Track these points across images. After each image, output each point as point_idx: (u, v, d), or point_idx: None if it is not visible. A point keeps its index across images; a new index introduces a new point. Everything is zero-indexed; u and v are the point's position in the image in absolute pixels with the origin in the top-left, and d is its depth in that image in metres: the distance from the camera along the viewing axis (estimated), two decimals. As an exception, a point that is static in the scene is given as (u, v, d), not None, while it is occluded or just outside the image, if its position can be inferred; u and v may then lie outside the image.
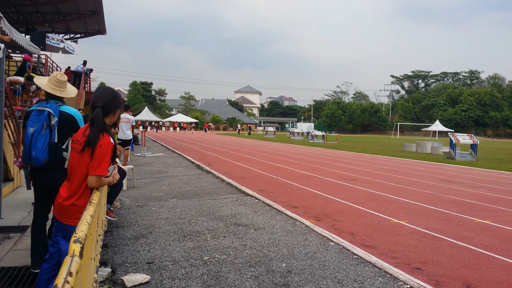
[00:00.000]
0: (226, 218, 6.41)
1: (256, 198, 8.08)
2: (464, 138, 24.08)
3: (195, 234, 5.45)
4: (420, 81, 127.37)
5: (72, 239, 1.79)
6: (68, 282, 1.31)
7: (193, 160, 15.93)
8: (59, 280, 1.31)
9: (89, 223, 2.14)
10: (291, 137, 53.76)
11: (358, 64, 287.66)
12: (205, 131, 69.99)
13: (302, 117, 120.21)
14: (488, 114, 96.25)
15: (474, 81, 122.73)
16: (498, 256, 4.83)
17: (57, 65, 20.04)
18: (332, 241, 5.20)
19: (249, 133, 59.95)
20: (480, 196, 9.45)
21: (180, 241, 5.14)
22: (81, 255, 1.66)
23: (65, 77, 3.85)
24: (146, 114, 71.87)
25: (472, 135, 25.46)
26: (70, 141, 3.11)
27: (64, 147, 3.75)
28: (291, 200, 8.00)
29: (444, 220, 6.77)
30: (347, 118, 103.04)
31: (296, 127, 79.99)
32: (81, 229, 1.93)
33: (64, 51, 20.35)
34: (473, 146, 23.45)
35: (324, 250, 4.85)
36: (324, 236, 5.42)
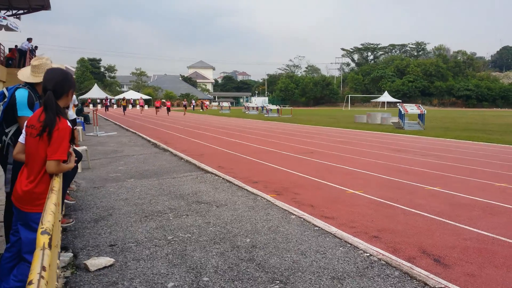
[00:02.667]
0: (187, 196, 6.41)
1: (216, 175, 8.10)
2: (412, 109, 24.99)
3: (156, 214, 5.41)
4: (369, 53, 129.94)
5: (39, 230, 1.75)
6: (43, 277, 1.29)
7: (148, 138, 15.66)
8: (33, 276, 1.28)
9: (54, 212, 2.09)
10: (246, 112, 53.81)
11: (310, 37, 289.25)
12: (159, 108, 67.72)
13: (256, 92, 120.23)
14: (434, 84, 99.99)
15: (420, 53, 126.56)
16: (450, 222, 5.13)
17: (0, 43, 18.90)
18: (293, 214, 5.33)
19: (199, 108, 59.36)
20: (430, 164, 9.91)
21: (142, 221, 5.10)
22: (50, 246, 1.63)
23: (39, 60, 3.70)
24: (96, 92, 69.48)
25: (420, 105, 26.46)
26: (24, 126, 2.98)
27: (8, 130, 3.62)
28: (251, 176, 8.08)
29: (397, 189, 7.07)
30: (300, 92, 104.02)
31: (251, 102, 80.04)
32: (47, 219, 1.89)
33: (7, 28, 19.19)
34: (421, 116, 24.39)
35: (286, 223, 4.97)
36: (285, 210, 5.54)
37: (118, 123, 25.97)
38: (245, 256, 3.95)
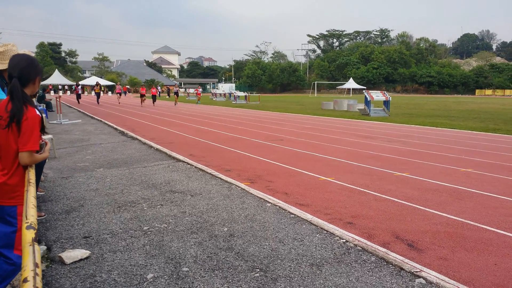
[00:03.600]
0: (160, 185, 6.33)
1: (188, 164, 8.03)
2: (377, 95, 25.46)
3: (130, 204, 5.33)
4: (334, 40, 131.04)
5: (24, 225, 1.69)
6: (37, 274, 1.25)
7: (115, 126, 15.33)
8: (28, 273, 1.24)
9: (35, 205, 2.02)
10: (214, 99, 53.45)
11: (277, 23, 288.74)
12: (125, 94, 65.97)
13: (223, 78, 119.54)
14: (397, 71, 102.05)
15: (384, 40, 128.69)
16: (420, 207, 5.28)
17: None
18: (269, 202, 5.36)
19: (165, 95, 57.39)
20: (397, 150, 10.15)
21: (115, 212, 5.01)
22: (38, 241, 1.58)
23: (4, 47, 3.53)
24: (57, 78, 67.33)
25: (385, 92, 26.99)
26: None
27: None
28: (223, 164, 8.06)
29: (367, 175, 7.22)
30: (267, 78, 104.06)
31: (217, 88, 79.52)
32: (31, 214, 1.82)
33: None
34: (386, 103, 24.90)
35: (262, 211, 4.99)
36: (261, 198, 5.57)
37: (82, 110, 25.29)
38: (224, 245, 3.95)
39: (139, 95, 37.69)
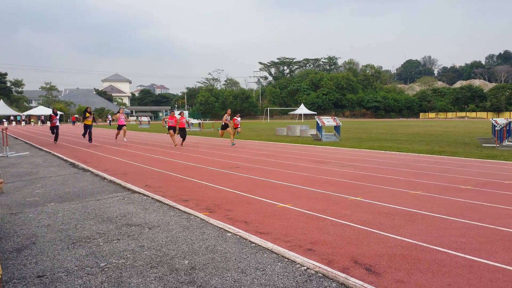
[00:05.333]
0: (116, 219, 6.18)
1: (144, 195, 7.89)
2: (328, 121, 26.18)
3: (85, 240, 5.16)
4: (285, 67, 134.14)
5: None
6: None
7: (65, 157, 14.84)
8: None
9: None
10: (166, 126, 52.90)
11: (229, 51, 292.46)
12: (73, 123, 64.82)
13: (176, 105, 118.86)
14: (346, 96, 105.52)
15: (332, 67, 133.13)
16: (375, 230, 5.45)
17: None
18: (229, 232, 5.36)
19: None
20: (349, 175, 10.44)
21: (69, 249, 4.83)
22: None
23: None
24: (2, 108, 64.64)
25: (335, 117, 27.81)
26: None
27: None
28: (180, 194, 7.98)
29: (323, 200, 7.37)
30: (220, 105, 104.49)
31: (170, 116, 78.64)
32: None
33: None
34: (337, 128, 25.62)
35: (223, 242, 4.98)
36: (221, 228, 5.55)
37: (29, 142, 24.31)
38: (185, 279, 3.90)
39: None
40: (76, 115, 76.22)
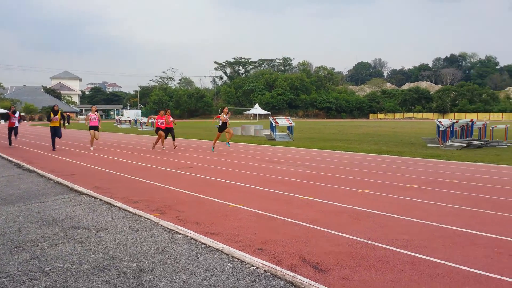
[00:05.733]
0: (62, 222, 5.99)
1: (92, 197, 7.69)
2: (282, 121, 26.50)
3: (29, 244, 4.98)
4: (240, 67, 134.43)
5: None
6: None
7: (9, 158, 14.20)
8: None
9: None
10: (118, 125, 51.74)
11: (183, 50, 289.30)
12: (19, 122, 61.30)
13: (128, 104, 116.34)
14: (299, 97, 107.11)
15: (287, 67, 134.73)
16: (323, 229, 5.58)
17: None
18: (179, 233, 5.32)
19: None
20: (301, 174, 10.62)
21: (12, 253, 4.65)
22: None
23: None
24: None
25: (289, 118, 28.19)
26: None
27: None
28: (130, 195, 7.84)
29: (275, 200, 7.46)
30: (174, 104, 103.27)
31: (122, 115, 77.07)
32: None
33: None
34: (290, 128, 25.97)
35: (173, 243, 4.95)
36: (171, 229, 5.51)
37: (-31, 141, 23.06)
38: (133, 282, 3.85)
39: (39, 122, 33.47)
40: (23, 114, 72.98)
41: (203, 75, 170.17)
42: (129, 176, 10.20)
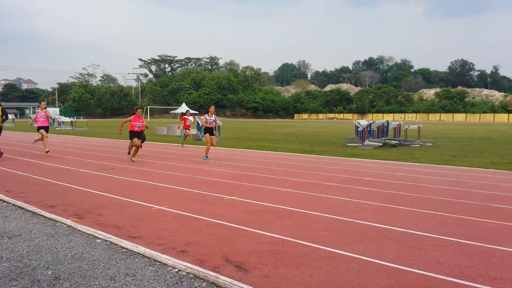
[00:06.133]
0: (-32, 229, 5.55)
1: (4, 201, 7.19)
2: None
3: None
4: (166, 65, 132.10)
5: None
6: None
7: None
8: None
9: None
10: (34, 125, 48.65)
11: (106, 46, 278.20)
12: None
13: (46, 102, 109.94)
14: (227, 96, 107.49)
15: (214, 67, 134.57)
16: (247, 228, 5.67)
17: None
18: (99, 238, 5.15)
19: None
20: (226, 174, 10.69)
21: None
22: None
23: None
24: None
25: (216, 117, 28.18)
26: None
27: None
28: (46, 199, 7.43)
29: (199, 201, 7.45)
30: (96, 102, 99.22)
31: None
32: None
33: None
34: (217, 127, 25.98)
35: (91, 249, 4.77)
36: (89, 234, 5.31)
37: None
38: (48, 291, 3.68)
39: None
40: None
41: (127, 73, 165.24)
42: (45, 179, 9.67)
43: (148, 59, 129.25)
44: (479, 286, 3.80)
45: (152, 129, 36.13)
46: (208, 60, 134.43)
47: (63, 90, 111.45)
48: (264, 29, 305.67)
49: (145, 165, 12.39)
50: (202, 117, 15.22)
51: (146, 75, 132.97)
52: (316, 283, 3.85)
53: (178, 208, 6.81)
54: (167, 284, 3.82)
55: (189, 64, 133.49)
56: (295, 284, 3.82)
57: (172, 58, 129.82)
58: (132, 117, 13.44)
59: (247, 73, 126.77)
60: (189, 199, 7.63)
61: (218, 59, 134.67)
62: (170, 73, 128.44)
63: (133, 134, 13.29)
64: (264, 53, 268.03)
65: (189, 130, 21.08)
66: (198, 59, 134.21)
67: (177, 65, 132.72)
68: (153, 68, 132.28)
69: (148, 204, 7.09)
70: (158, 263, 4.35)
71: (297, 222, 6.08)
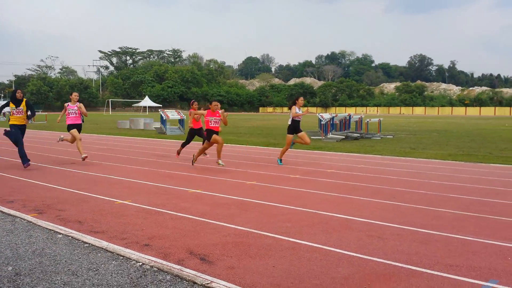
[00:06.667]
0: None
1: (-42, 198, 6.93)
2: (172, 114, 26.23)
3: None
4: (128, 57, 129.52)
5: None
6: None
7: None
8: None
9: None
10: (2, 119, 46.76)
11: (64, 37, 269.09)
12: None
13: (2, 95, 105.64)
14: (191, 90, 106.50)
15: (177, 59, 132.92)
16: (212, 221, 5.70)
17: None
18: (60, 233, 5.05)
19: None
20: (191, 168, 10.66)
21: None
22: None
23: None
24: None
25: (180, 111, 27.95)
26: None
27: None
28: (4, 195, 7.20)
29: (164, 195, 7.41)
30: (55, 95, 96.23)
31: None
32: None
33: None
34: (181, 121, 25.79)
35: (52, 244, 4.68)
36: (50, 230, 5.20)
37: None
38: (9, 286, 3.59)
39: None
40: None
41: (87, 65, 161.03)
42: (3, 174, 9.35)
43: (109, 51, 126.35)
44: (435, 273, 3.97)
45: (114, 122, 35.44)
46: (171, 53, 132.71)
47: (21, 82, 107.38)
48: (228, 23, 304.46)
49: (109, 159, 12.17)
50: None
51: (107, 68, 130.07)
52: (279, 273, 3.93)
53: (142, 202, 6.75)
54: (131, 278, 3.80)
55: (152, 56, 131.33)
56: (259, 275, 3.89)
57: (134, 50, 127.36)
58: (205, 111, 11.02)
59: (211, 66, 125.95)
60: (153, 193, 7.57)
61: (181, 51, 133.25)
62: (131, 66, 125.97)
63: (211, 132, 10.71)
64: (228, 47, 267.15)
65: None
66: (161, 52, 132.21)
67: (139, 57, 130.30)
68: (114, 60, 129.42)
69: (110, 199, 7.00)
70: (122, 257, 4.31)
71: (261, 214, 6.16)
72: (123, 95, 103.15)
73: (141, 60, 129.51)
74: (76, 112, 11.62)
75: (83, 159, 11.15)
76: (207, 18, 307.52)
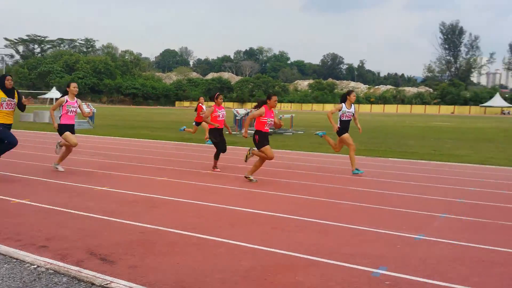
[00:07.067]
0: None
1: None
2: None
3: None
4: (36, 46, 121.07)
5: None
6: None
7: None
8: None
9: None
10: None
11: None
12: None
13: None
14: (103, 81, 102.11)
15: (90, 49, 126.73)
16: (117, 220, 5.52)
17: None
18: None
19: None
20: (99, 164, 10.24)
21: None
22: None
23: None
24: None
25: (90, 104, 26.66)
26: None
27: None
28: None
29: (66, 193, 7.05)
30: None
31: None
32: None
33: None
34: (91, 116, 24.62)
35: None
36: None
37: None
38: None
39: None
40: None
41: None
42: None
43: (15, 39, 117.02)
44: (331, 262, 4.20)
45: (16, 115, 32.95)
46: (83, 42, 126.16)
47: None
48: (145, 14, 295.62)
49: (4, 155, 11.29)
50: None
51: (12, 56, 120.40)
52: (184, 270, 3.93)
53: (41, 201, 6.36)
54: (24, 282, 3.59)
55: (62, 45, 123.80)
56: (162, 272, 3.85)
57: (43, 38, 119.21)
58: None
59: (126, 57, 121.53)
60: (55, 191, 7.18)
61: (94, 41, 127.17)
62: (40, 55, 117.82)
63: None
64: (145, 38, 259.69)
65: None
66: (72, 41, 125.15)
67: (48, 46, 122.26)
68: (21, 48, 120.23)
69: (6, 198, 6.52)
70: (15, 260, 4.05)
71: (170, 211, 6.10)
72: (29, 86, 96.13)
73: (50, 49, 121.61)
74: (76, 110, 9.55)
75: (56, 169, 9.15)
76: (124, 8, 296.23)
